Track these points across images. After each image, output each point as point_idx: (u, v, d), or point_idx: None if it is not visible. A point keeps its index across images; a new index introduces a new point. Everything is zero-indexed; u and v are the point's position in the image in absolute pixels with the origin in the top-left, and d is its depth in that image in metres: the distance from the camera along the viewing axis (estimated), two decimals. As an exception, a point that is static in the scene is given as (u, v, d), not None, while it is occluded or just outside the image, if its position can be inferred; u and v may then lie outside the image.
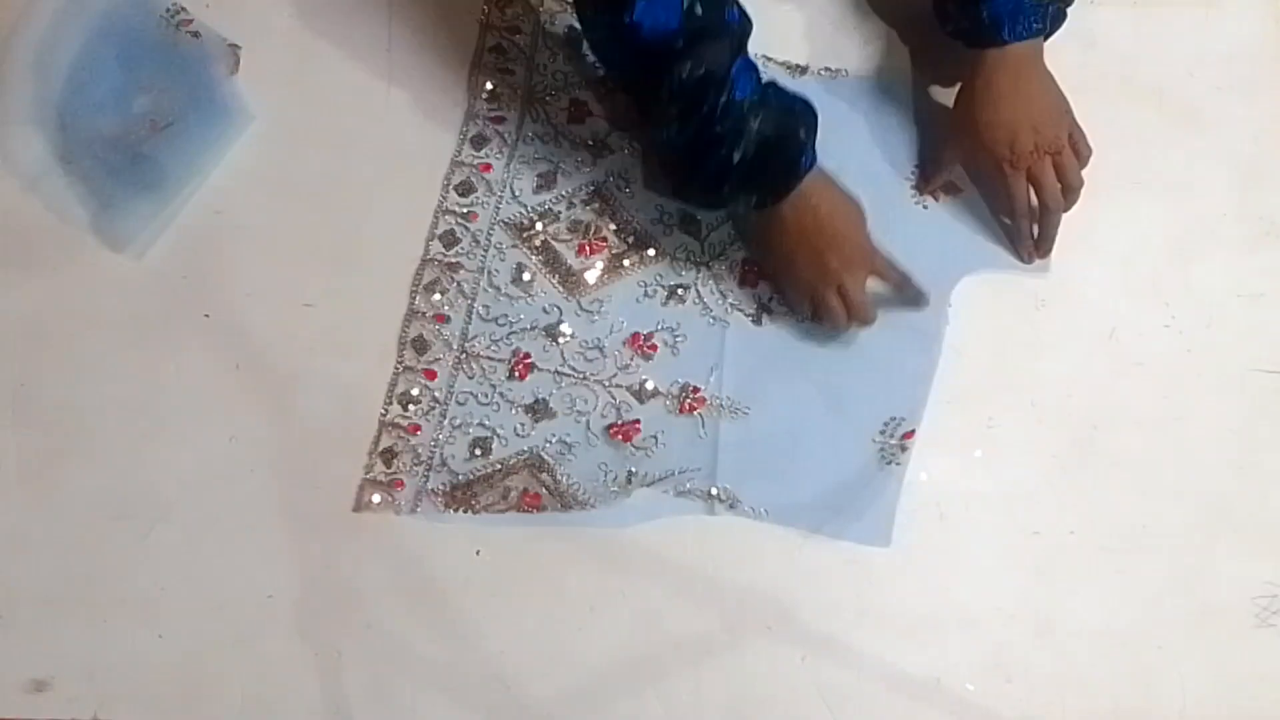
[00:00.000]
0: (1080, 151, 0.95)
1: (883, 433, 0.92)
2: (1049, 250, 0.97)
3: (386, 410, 0.93)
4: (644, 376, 0.94)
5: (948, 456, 0.93)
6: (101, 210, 0.99)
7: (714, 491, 0.90)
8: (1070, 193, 0.94)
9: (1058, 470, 0.92)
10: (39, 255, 0.98)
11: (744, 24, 0.87)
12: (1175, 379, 0.95)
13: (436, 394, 0.93)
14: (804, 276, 0.92)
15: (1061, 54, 1.05)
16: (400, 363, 0.94)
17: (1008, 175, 0.94)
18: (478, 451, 0.91)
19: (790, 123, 0.88)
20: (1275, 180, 1.02)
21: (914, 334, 0.95)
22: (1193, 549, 0.90)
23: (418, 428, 0.92)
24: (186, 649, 0.87)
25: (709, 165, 0.87)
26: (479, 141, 1.02)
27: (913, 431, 0.92)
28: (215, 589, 0.88)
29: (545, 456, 0.91)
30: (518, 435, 0.92)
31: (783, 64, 1.05)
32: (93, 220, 0.99)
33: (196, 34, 1.04)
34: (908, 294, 0.93)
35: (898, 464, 0.91)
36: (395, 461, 0.91)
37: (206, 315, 0.97)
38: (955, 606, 0.88)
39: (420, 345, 0.94)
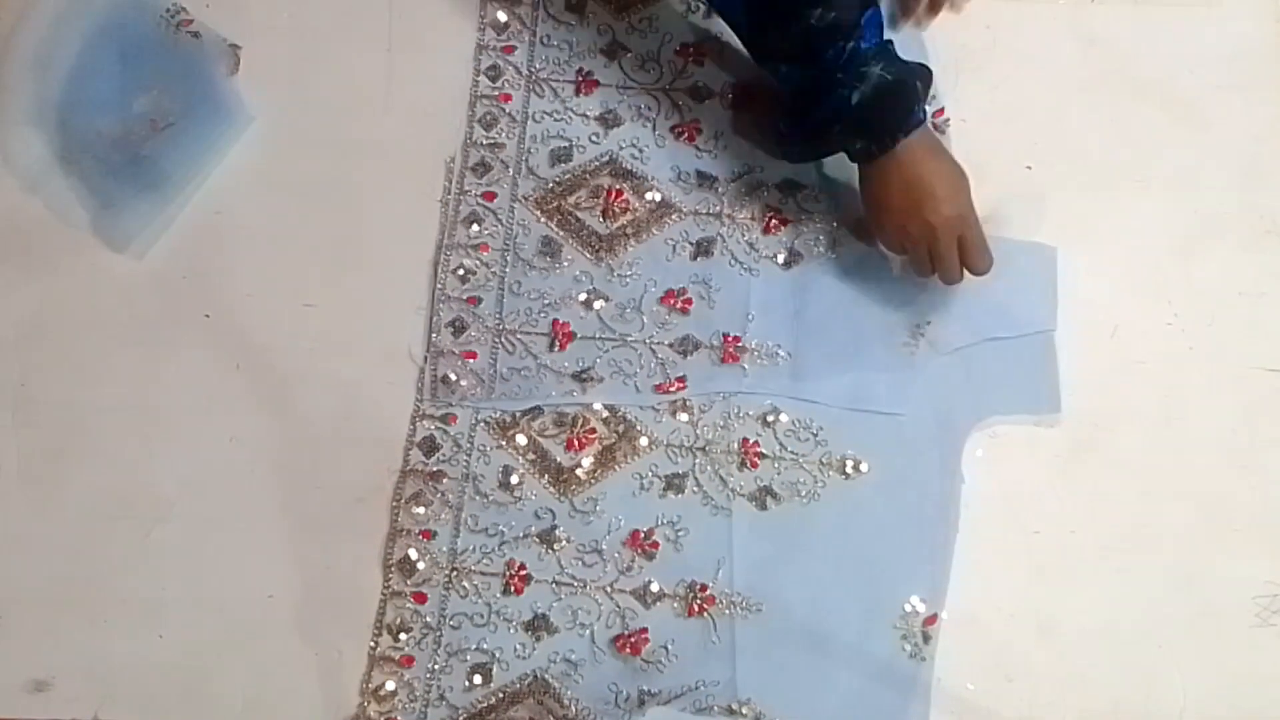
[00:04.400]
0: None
1: (904, 618, 0.87)
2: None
3: (376, 643, 0.87)
4: (647, 578, 0.89)
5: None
6: (101, 210, 0.99)
7: (736, 707, 0.85)
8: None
9: (1058, 470, 0.92)
10: (39, 255, 0.98)
11: None
12: (1177, 377, 0.95)
13: (429, 619, 0.88)
14: (897, 230, 0.89)
15: (1062, 53, 1.05)
16: (387, 588, 0.89)
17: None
18: (477, 679, 0.86)
19: (909, 72, 0.87)
20: (1277, 178, 1.01)
21: (927, 500, 0.90)
22: (1193, 549, 0.90)
23: (411, 659, 0.87)
24: (186, 649, 0.87)
25: (825, 106, 0.86)
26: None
27: (934, 616, 0.87)
28: (215, 589, 0.89)
29: (550, 679, 0.86)
30: (518, 657, 0.87)
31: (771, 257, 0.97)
32: (93, 220, 0.99)
33: (196, 34, 1.04)
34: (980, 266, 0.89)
35: (923, 659, 0.86)
36: (389, 701, 0.86)
37: (206, 315, 0.97)
38: (955, 606, 0.88)
39: (407, 567, 0.89)
